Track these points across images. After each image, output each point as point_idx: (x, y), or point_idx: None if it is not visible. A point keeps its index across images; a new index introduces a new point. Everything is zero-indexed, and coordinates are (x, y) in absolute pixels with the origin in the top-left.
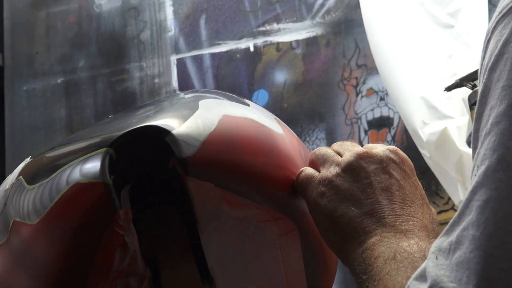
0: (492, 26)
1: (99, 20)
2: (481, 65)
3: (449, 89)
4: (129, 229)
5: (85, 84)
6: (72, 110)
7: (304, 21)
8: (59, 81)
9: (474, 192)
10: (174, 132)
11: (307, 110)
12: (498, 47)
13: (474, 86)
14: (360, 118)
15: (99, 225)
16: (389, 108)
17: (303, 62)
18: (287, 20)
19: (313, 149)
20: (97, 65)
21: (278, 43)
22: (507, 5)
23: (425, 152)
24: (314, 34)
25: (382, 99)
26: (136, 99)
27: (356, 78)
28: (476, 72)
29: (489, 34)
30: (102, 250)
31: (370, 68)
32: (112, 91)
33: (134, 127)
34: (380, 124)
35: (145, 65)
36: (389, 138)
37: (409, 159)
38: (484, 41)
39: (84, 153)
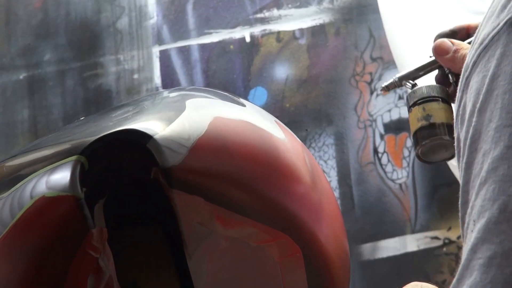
0: (473, 61)
1: (68, 5)
2: (460, 107)
3: (387, 88)
4: (104, 251)
5: (51, 80)
6: (37, 111)
7: (309, 7)
8: (21, 77)
9: (474, 250)
10: (156, 137)
11: (312, 111)
12: (486, 83)
13: (413, 86)
14: (375, 120)
15: (68, 246)
16: (408, 118)
17: (308, 54)
18: (289, 6)
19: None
20: (66, 58)
21: (278, 32)
22: (488, 34)
23: (451, 161)
24: (321, 21)
25: (401, 98)
26: (112, 98)
27: (371, 73)
28: (417, 70)
29: (469, 70)
30: (72, 275)
31: (386, 61)
32: (84, 89)
33: (109, 131)
34: (399, 128)
35: (122, 58)
36: (409, 143)
37: None
38: (462, 79)
39: (51, 162)
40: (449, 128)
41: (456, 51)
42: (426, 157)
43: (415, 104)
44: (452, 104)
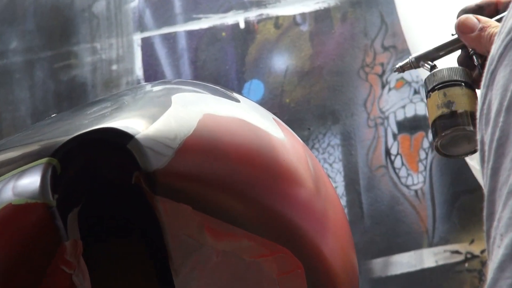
0: (499, 53)
1: None
2: (484, 104)
3: (401, 69)
4: (78, 266)
5: (18, 72)
6: (2, 107)
7: None
8: None
9: (501, 268)
10: (138, 136)
11: (316, 107)
12: None
13: (433, 67)
14: (387, 117)
15: (38, 261)
16: (426, 104)
17: (311, 43)
18: None
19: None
20: (35, 46)
21: (277, 18)
22: None
23: (474, 164)
24: (325, 5)
25: (417, 92)
26: (88, 92)
27: (382, 64)
28: (437, 49)
29: (495, 63)
30: None
31: (400, 50)
32: (55, 82)
33: (84, 130)
34: (414, 126)
35: (99, 46)
36: (425, 144)
37: None
38: (486, 72)
39: (18, 165)
40: (473, 117)
41: (482, 29)
42: (446, 150)
43: (434, 88)
44: (477, 90)
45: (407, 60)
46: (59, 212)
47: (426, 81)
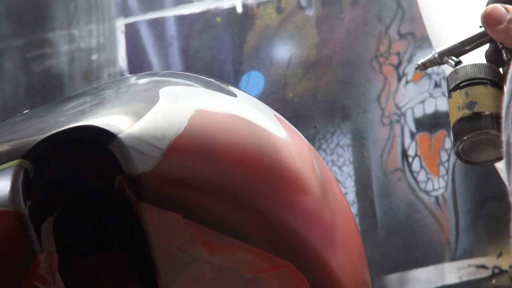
0: None
1: None
2: (510, 101)
3: (423, 66)
4: (53, 282)
5: None
6: None
7: None
8: None
9: None
10: (121, 136)
11: (323, 102)
12: None
13: (457, 64)
14: (404, 114)
15: (9, 276)
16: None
17: (318, 29)
18: None
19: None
20: (5, 34)
21: (279, 1)
22: None
23: (503, 167)
24: None
25: (438, 85)
26: (64, 85)
27: (398, 53)
28: (463, 43)
29: None
30: None
31: (419, 38)
32: (27, 73)
33: (61, 129)
34: (435, 124)
35: (77, 33)
36: (447, 144)
37: None
38: None
39: None
40: (499, 119)
41: (511, 20)
42: (468, 156)
43: (456, 87)
44: None
45: (429, 56)
46: (32, 221)
47: (448, 79)
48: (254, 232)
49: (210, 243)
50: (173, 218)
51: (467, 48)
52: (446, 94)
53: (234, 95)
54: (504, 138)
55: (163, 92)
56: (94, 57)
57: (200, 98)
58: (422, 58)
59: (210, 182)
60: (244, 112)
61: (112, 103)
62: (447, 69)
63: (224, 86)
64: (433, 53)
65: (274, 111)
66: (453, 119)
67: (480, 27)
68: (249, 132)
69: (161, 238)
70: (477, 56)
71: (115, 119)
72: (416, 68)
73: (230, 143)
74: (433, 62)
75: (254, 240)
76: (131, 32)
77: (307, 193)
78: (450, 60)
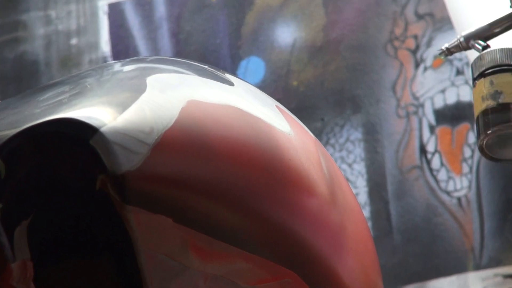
0: None
1: None
2: None
3: (448, 52)
4: None
5: None
6: None
7: None
8: None
9: None
10: (104, 129)
11: (331, 91)
12: None
13: (485, 48)
14: (422, 105)
15: None
16: (471, 88)
17: (325, 10)
18: None
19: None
20: None
21: None
22: None
23: None
24: None
25: (460, 72)
26: (40, 72)
27: (416, 36)
28: (492, 25)
29: None
30: None
31: (439, 19)
32: None
33: (36, 122)
34: (457, 116)
35: (54, 14)
36: (471, 139)
37: None
38: None
39: None
40: None
41: None
42: (493, 152)
43: (481, 75)
44: None
45: (454, 40)
46: (3, 225)
47: (473, 66)
48: (253, 237)
49: (204, 250)
50: (162, 222)
51: (496, 30)
52: (471, 83)
53: (231, 84)
54: None
55: (151, 80)
56: (74, 41)
57: (193, 87)
58: (447, 42)
59: (204, 182)
60: (242, 102)
61: (93, 92)
62: (471, 53)
63: (219, 73)
64: (458, 36)
65: (276, 102)
66: (477, 110)
67: (511, 7)
68: (247, 125)
69: (148, 244)
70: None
71: (97, 111)
72: (440, 54)
73: (226, 138)
74: (459, 47)
75: (253, 246)
76: (115, 13)
77: (313, 194)
78: (477, 45)
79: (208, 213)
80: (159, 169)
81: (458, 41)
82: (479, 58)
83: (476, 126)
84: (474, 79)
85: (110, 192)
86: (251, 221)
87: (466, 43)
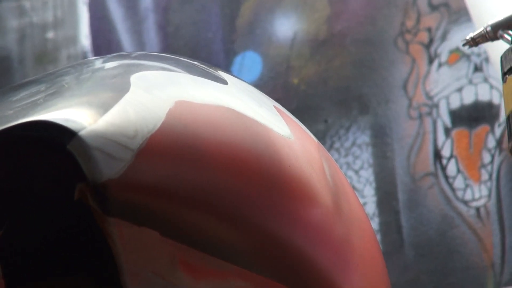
0: None
1: None
2: None
3: (473, 42)
4: None
5: None
6: None
7: None
8: None
9: None
10: (83, 133)
11: (336, 90)
12: None
13: None
14: (437, 105)
15: None
16: (491, 86)
17: (329, 0)
18: None
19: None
20: None
21: None
22: None
23: None
24: None
25: (478, 68)
26: (13, 69)
27: (429, 30)
28: None
29: None
30: None
31: (455, 10)
32: None
33: (7, 125)
34: (475, 118)
35: (28, 5)
36: (491, 143)
37: None
38: None
39: None
40: None
41: None
42: None
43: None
44: None
45: (480, 30)
46: None
47: (502, 59)
48: (248, 252)
49: (194, 267)
50: (148, 235)
51: None
52: (490, 81)
53: (224, 82)
54: None
55: (136, 78)
56: (50, 34)
57: (182, 86)
58: (472, 32)
59: (194, 191)
60: (236, 103)
61: (71, 92)
62: (491, 48)
63: (211, 70)
64: (485, 25)
65: (275, 102)
66: (508, 108)
67: None
68: (242, 128)
69: (133, 260)
70: None
71: (75, 113)
72: (464, 44)
73: (218, 142)
74: (485, 37)
75: (248, 262)
76: (96, 3)
77: (315, 204)
78: (506, 35)
79: (199, 225)
80: (144, 177)
81: (485, 30)
82: (510, 50)
83: (507, 126)
84: (505, 74)
85: (90, 203)
86: (246, 234)
87: (494, 33)
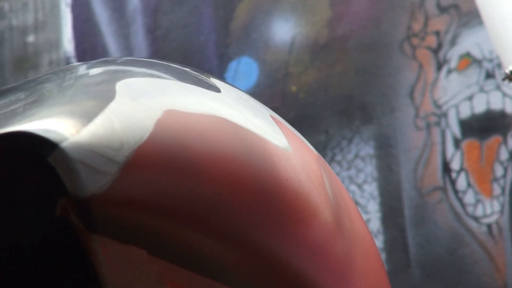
0: None
1: None
2: None
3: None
4: None
5: None
6: None
7: None
8: None
9: None
10: (65, 145)
11: (337, 98)
12: None
13: None
14: (445, 114)
15: None
16: (504, 94)
17: (330, 1)
18: None
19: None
20: None
21: None
22: None
23: None
24: None
25: (490, 75)
26: None
27: (437, 33)
28: None
29: None
30: None
31: (465, 13)
32: None
33: None
34: (487, 128)
35: (7, 6)
36: (504, 155)
37: None
38: None
39: None
40: None
41: None
42: None
43: None
44: None
45: None
46: None
47: None
48: (242, 273)
49: (183, 287)
50: (135, 254)
51: None
52: (503, 88)
53: (217, 90)
54: None
55: (121, 86)
56: (31, 38)
57: (171, 94)
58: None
59: (184, 207)
60: (229, 112)
61: (53, 100)
62: (503, 51)
63: (203, 77)
64: None
65: (271, 111)
66: None
67: None
68: (236, 139)
69: (118, 280)
70: None
71: (57, 123)
72: (504, 79)
73: (210, 155)
74: None
75: (242, 283)
76: (80, 5)
77: (315, 220)
78: None
79: (189, 244)
80: (130, 192)
81: None
82: None
83: None
84: None
85: (72, 219)
86: (240, 253)
87: None
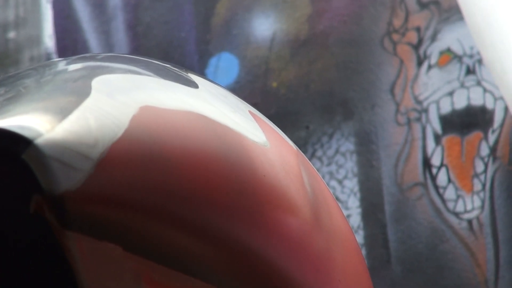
0: None
1: None
2: None
3: None
4: None
5: None
6: None
7: None
8: None
9: None
10: (39, 141)
11: (318, 94)
12: None
13: None
14: (426, 110)
15: None
16: (485, 89)
17: None
18: None
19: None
20: None
21: None
22: None
23: None
24: None
25: (470, 71)
26: None
27: (418, 29)
28: None
29: None
30: None
31: (446, 9)
32: None
33: None
34: (468, 124)
35: None
36: (485, 151)
37: None
38: None
39: None
40: None
41: None
42: None
43: None
44: None
45: None
46: None
47: None
48: (219, 268)
49: (161, 284)
50: (110, 250)
51: None
52: (484, 84)
53: (195, 86)
54: None
55: (98, 82)
56: (11, 34)
57: (148, 90)
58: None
59: (159, 203)
60: (207, 108)
61: (29, 96)
62: (485, 50)
63: (182, 73)
64: None
65: (250, 107)
66: None
67: None
68: (212, 135)
69: (94, 277)
70: None
71: (31, 119)
72: None
73: (186, 150)
74: None
75: (219, 279)
76: (61, 0)
77: (293, 216)
78: None
79: (165, 239)
80: (105, 188)
81: None
82: None
83: None
84: None
85: (46, 216)
86: (217, 249)
87: None
